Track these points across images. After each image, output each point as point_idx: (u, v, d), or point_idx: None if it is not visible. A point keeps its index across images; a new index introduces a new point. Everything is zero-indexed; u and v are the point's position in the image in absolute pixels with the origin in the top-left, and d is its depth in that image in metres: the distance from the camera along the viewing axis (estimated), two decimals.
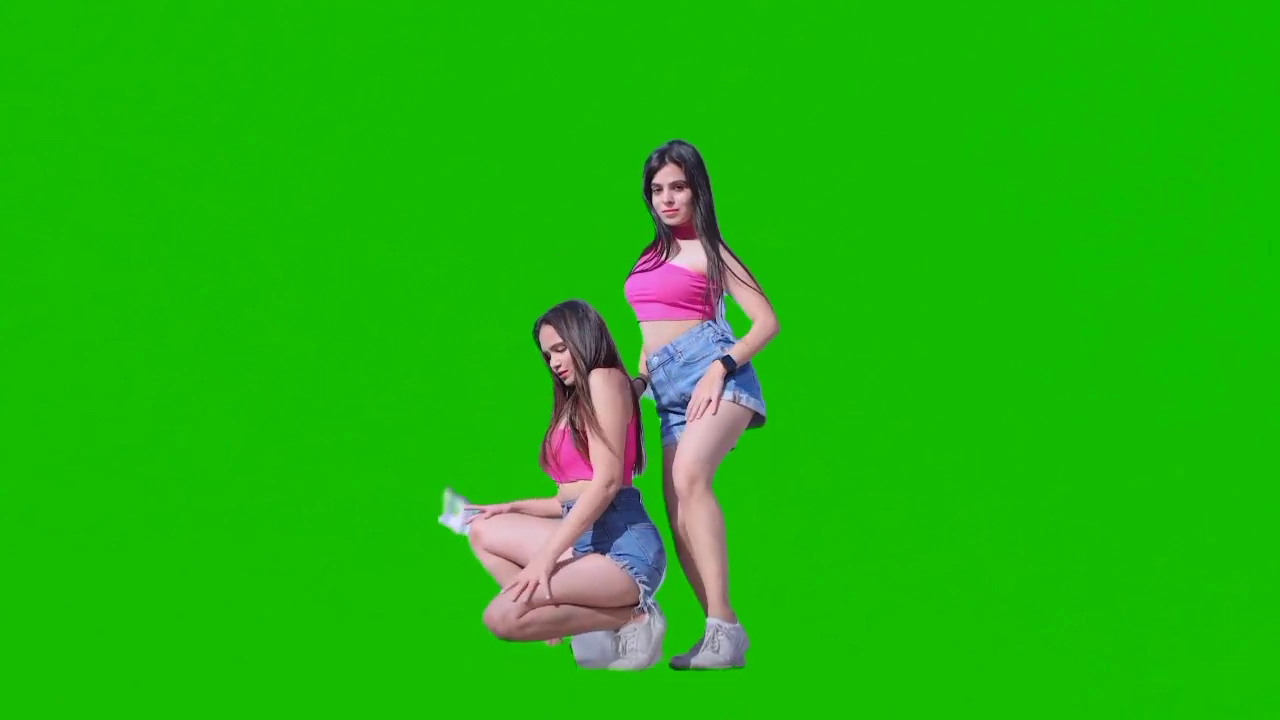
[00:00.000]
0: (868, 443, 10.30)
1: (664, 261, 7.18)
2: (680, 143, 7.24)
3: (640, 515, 7.06)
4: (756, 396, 7.09)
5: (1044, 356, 10.58)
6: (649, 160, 7.23)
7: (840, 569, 9.26)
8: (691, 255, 7.18)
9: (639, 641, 6.95)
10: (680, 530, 7.09)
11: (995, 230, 10.77)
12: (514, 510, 7.29)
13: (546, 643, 7.10)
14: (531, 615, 6.85)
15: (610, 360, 7.09)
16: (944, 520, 9.84)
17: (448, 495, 7.43)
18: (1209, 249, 10.83)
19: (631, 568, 6.96)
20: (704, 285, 7.13)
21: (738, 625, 7.03)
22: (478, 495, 7.45)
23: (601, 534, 7.03)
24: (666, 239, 7.20)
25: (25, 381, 10.51)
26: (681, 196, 7.18)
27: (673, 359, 7.13)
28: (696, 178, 7.18)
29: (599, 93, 10.81)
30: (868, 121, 10.83)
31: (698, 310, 7.14)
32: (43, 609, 8.42)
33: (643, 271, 7.24)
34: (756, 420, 7.14)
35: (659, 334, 7.18)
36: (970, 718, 5.82)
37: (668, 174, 7.19)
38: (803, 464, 10.08)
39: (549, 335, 7.10)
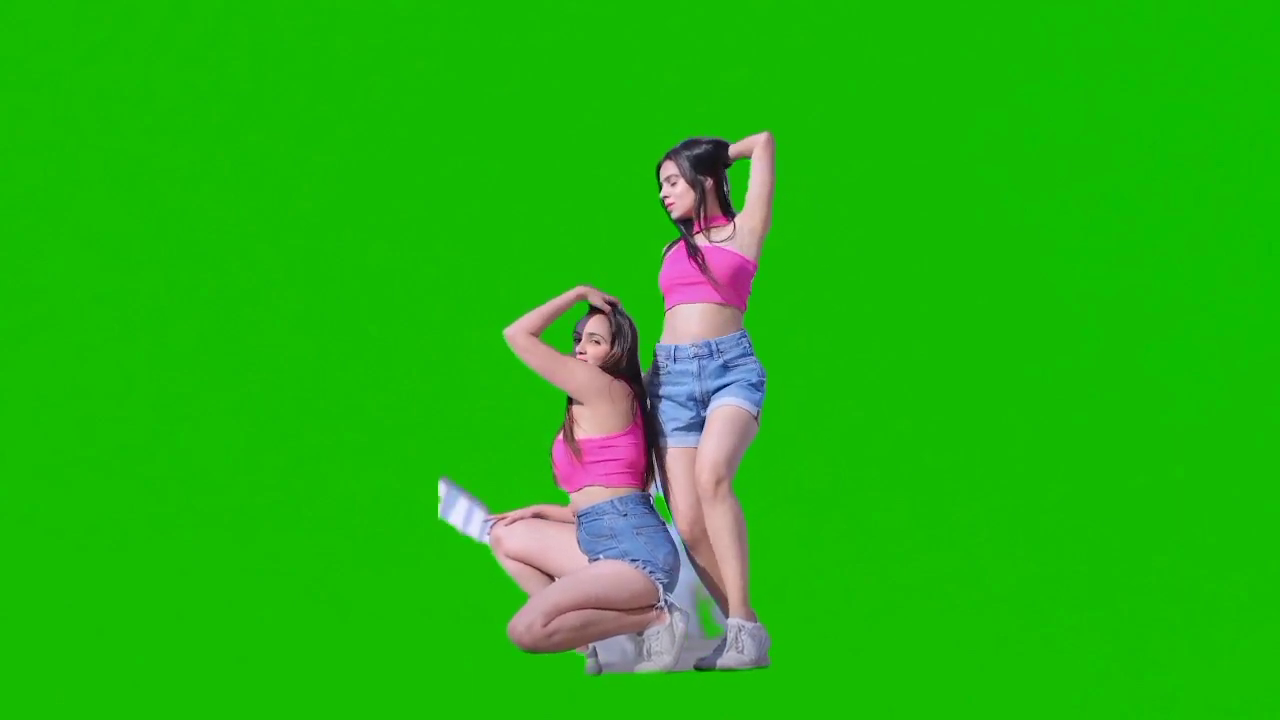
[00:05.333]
0: (868, 443, 10.30)
1: (708, 244, 7.20)
2: (688, 140, 7.31)
3: (649, 519, 7.06)
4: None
5: (1044, 356, 10.58)
6: None
7: (841, 569, 9.26)
8: (740, 242, 7.20)
9: (663, 643, 6.95)
10: (688, 532, 7.09)
11: (995, 230, 10.78)
12: (536, 515, 7.29)
13: (577, 651, 7.08)
14: (557, 623, 6.84)
15: (630, 366, 7.14)
16: (944, 520, 9.84)
17: (444, 488, 7.43)
18: (1209, 249, 10.83)
19: (645, 567, 6.96)
20: (753, 268, 7.16)
21: (759, 625, 7.02)
22: (478, 495, 7.45)
23: (610, 540, 7.03)
24: (682, 229, 7.24)
25: (25, 381, 10.51)
26: (675, 190, 7.26)
27: (712, 355, 7.13)
28: (690, 171, 7.23)
29: (599, 93, 10.82)
30: (867, 122, 10.84)
31: (736, 297, 7.16)
32: (43, 609, 8.43)
33: (676, 259, 7.25)
34: None
35: (702, 322, 7.15)
36: (970, 717, 5.82)
37: (665, 169, 7.32)
38: (803, 464, 10.08)
39: (598, 323, 7.15)
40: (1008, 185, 10.86)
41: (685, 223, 7.28)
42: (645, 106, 10.66)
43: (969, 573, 9.15)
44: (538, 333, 7.06)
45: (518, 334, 7.07)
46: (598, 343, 7.14)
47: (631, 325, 7.19)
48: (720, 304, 7.16)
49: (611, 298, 7.21)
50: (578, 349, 7.15)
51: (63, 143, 10.82)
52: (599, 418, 7.06)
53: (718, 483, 6.97)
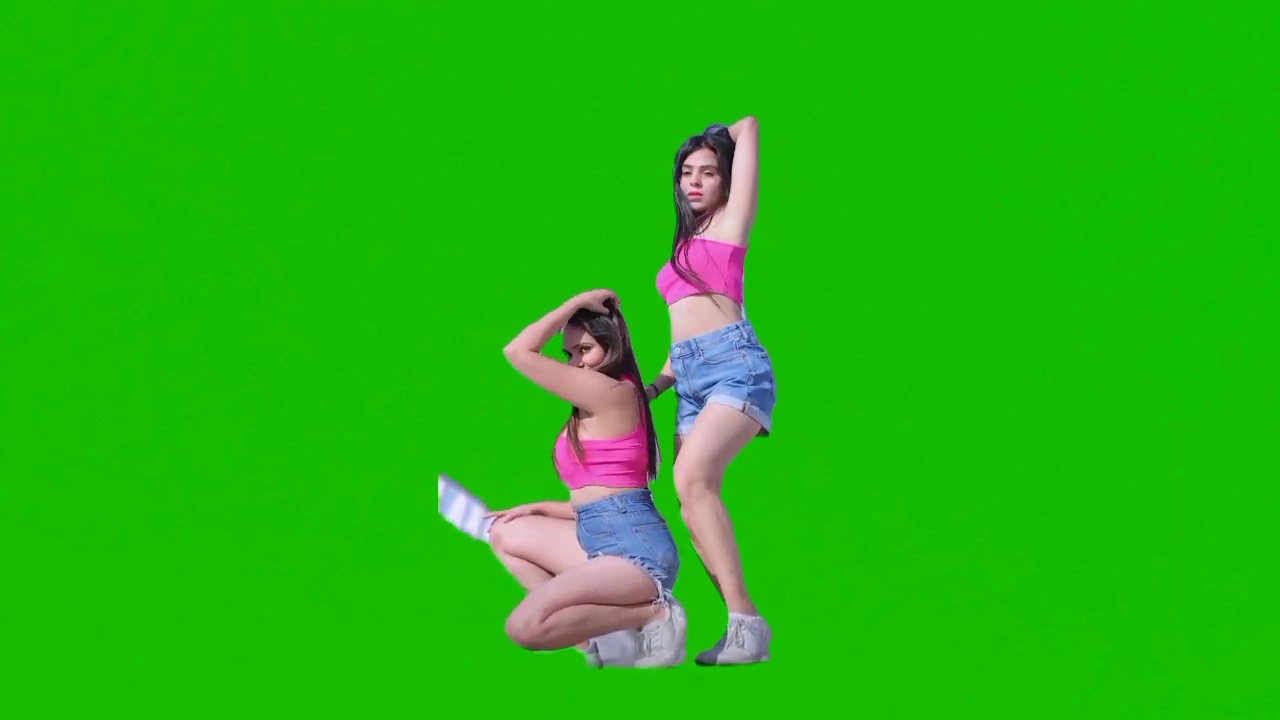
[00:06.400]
0: (868, 443, 10.29)
1: (690, 240, 7.14)
2: (719, 129, 7.22)
3: (648, 516, 7.04)
4: (766, 411, 7.08)
5: (1044, 356, 10.58)
6: (684, 144, 7.22)
7: (840, 569, 9.26)
8: (715, 229, 7.14)
9: (663, 639, 6.93)
10: (689, 526, 7.08)
11: (995, 230, 10.77)
12: (535, 512, 7.27)
13: (578, 648, 7.06)
14: (555, 618, 6.83)
15: (627, 364, 7.09)
16: (944, 520, 9.84)
17: (443, 485, 7.41)
18: (1209, 249, 10.83)
19: (643, 564, 6.95)
20: (729, 251, 7.09)
21: (759, 618, 6.99)
22: (478, 495, 7.45)
23: (609, 537, 7.02)
24: (684, 222, 7.16)
25: (25, 381, 10.51)
26: (710, 182, 7.15)
27: (693, 355, 7.09)
28: (726, 166, 7.16)
29: (599, 93, 10.81)
30: (867, 121, 10.83)
31: (723, 287, 7.09)
32: (43, 609, 8.42)
33: (673, 257, 7.20)
34: (760, 432, 7.14)
35: (688, 319, 7.09)
36: (970, 717, 5.82)
37: (700, 157, 7.18)
38: (803, 464, 10.08)
39: (577, 333, 7.09)
40: (1008, 185, 10.86)
41: (698, 216, 7.19)
42: (645, 107, 10.66)
43: (969, 573, 9.14)
44: (539, 348, 7.00)
45: (519, 351, 6.99)
46: (588, 348, 7.10)
47: (622, 323, 7.12)
48: (697, 296, 7.10)
49: (608, 294, 7.14)
50: (573, 363, 7.09)
51: (63, 143, 10.82)
52: (607, 422, 7.04)
53: (689, 484, 6.94)
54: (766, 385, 7.06)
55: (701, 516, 6.96)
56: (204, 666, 6.89)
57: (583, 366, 7.06)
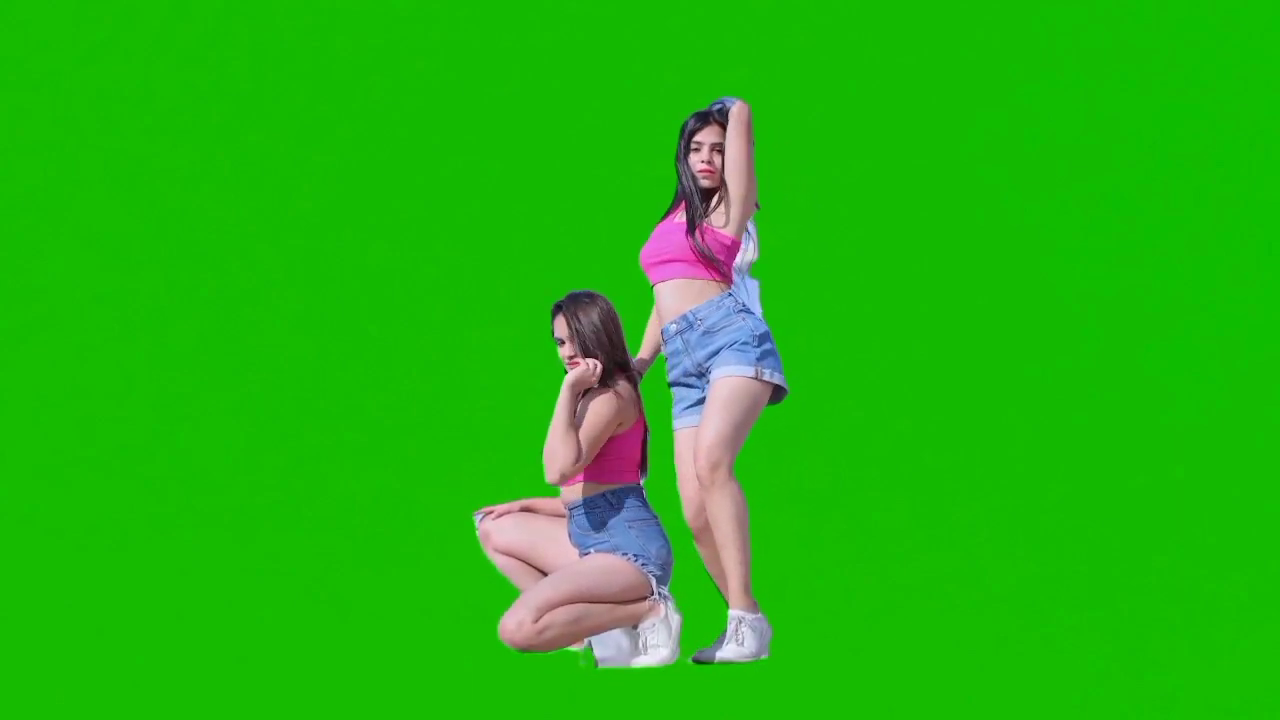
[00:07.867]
0: (868, 442, 10.29)
1: (691, 221, 7.03)
2: (722, 107, 7.12)
3: (641, 513, 7.02)
4: (779, 370, 6.93)
5: (1044, 356, 10.58)
6: (689, 120, 7.08)
7: (840, 569, 9.26)
8: (719, 217, 7.05)
9: (659, 637, 6.89)
10: (694, 520, 7.00)
11: (995, 230, 10.77)
12: (524, 509, 7.24)
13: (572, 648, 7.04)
14: (548, 618, 6.79)
15: (622, 360, 7.04)
16: (944, 520, 9.84)
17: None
18: (1209, 249, 10.83)
19: (637, 560, 6.92)
20: (729, 243, 7.01)
21: (760, 616, 6.87)
22: (478, 495, 7.45)
23: (602, 535, 7.00)
24: (695, 200, 7.00)
25: (25, 381, 10.51)
26: (720, 160, 7.00)
27: (692, 327, 6.93)
28: None
29: (599, 93, 10.82)
30: (867, 121, 10.84)
31: (719, 274, 6.99)
32: (43, 609, 8.42)
33: (664, 233, 7.07)
34: (777, 394, 7.00)
35: (678, 298, 6.96)
36: (971, 717, 5.82)
37: (711, 134, 7.04)
38: (804, 463, 10.07)
39: (559, 325, 7.04)
40: (1008, 185, 10.86)
41: (707, 195, 7.06)
42: (645, 106, 10.66)
43: (969, 573, 9.14)
44: (579, 455, 6.92)
45: (566, 469, 6.89)
46: (573, 340, 7.06)
47: (596, 335, 7.05)
48: (689, 278, 6.99)
49: (579, 366, 7.03)
50: (564, 355, 7.06)
51: (63, 143, 10.82)
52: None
53: (714, 468, 6.76)
54: (769, 345, 6.92)
55: (720, 504, 6.79)
56: (204, 666, 6.89)
57: (572, 357, 7.02)
